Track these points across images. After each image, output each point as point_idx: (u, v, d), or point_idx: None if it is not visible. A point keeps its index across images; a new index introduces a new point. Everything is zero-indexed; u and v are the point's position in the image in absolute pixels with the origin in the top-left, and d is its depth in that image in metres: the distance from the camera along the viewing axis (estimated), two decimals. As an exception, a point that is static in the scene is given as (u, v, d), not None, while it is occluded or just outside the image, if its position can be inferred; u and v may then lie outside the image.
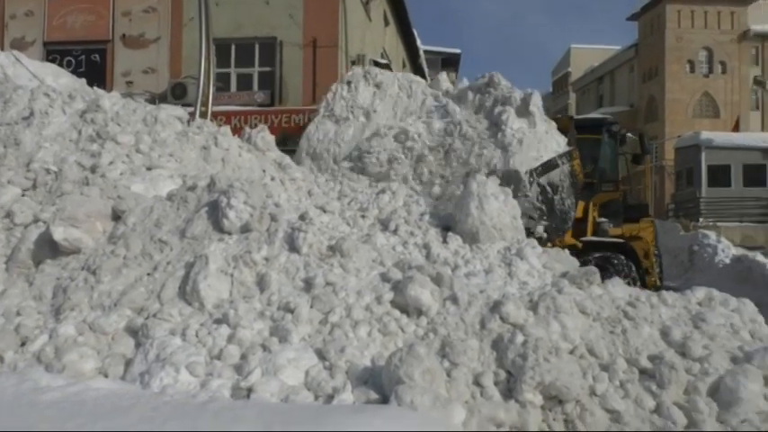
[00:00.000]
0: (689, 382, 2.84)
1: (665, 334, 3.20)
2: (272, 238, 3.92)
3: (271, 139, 6.23)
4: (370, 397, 2.74)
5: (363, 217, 5.13)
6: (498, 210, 4.71)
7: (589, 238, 8.11)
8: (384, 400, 2.69)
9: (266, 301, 3.46)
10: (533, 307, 3.32)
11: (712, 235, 17.15)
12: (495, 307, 3.32)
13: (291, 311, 3.30)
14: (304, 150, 6.51)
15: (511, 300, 3.33)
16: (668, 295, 4.02)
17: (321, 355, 3.04)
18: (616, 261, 7.59)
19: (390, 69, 16.95)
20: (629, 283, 8.11)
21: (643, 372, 2.95)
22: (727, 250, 16.08)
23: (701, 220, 20.56)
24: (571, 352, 3.10)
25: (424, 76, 29.46)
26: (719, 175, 21.02)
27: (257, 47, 14.75)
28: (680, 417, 2.72)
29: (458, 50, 48.46)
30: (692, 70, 36.73)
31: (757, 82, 22.82)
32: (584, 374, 2.94)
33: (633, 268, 7.48)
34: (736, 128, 29.36)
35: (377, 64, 16.13)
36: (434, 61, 44.45)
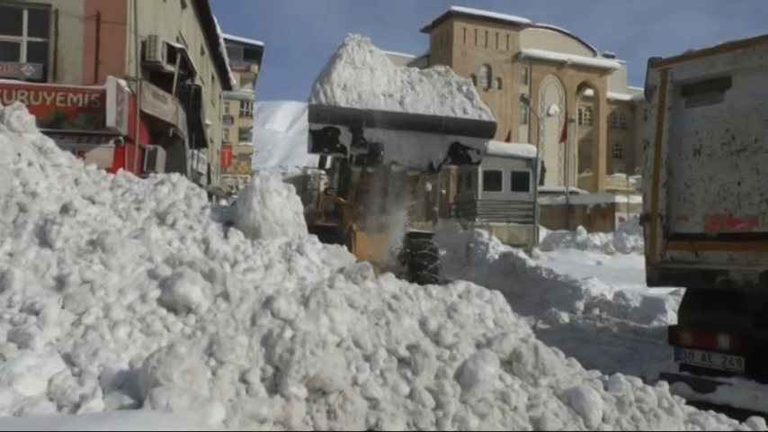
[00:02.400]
0: (439, 368, 3.12)
1: (422, 324, 3.48)
2: (19, 230, 3.48)
3: (30, 118, 5.51)
4: (124, 402, 2.56)
5: (138, 209, 4.81)
6: (281, 205, 4.73)
7: (413, 229, 11.36)
8: (140, 404, 2.54)
9: (6, 302, 3.05)
10: (305, 302, 3.38)
11: (485, 233, 19.18)
12: (267, 302, 3.32)
13: (37, 313, 2.95)
14: (335, 83, 8.21)
15: (283, 295, 3.36)
16: (432, 288, 4.38)
17: (70, 360, 2.76)
18: (433, 246, 10.81)
19: (186, 54, 16.14)
20: (436, 265, 10.27)
21: (401, 360, 3.17)
22: (496, 247, 18.10)
23: (476, 220, 22.83)
24: (338, 344, 3.22)
25: (224, 65, 28.57)
26: (492, 181, 23.56)
27: (26, 13, 13.02)
28: (429, 399, 2.97)
29: (261, 43, 47.96)
30: (475, 84, 40.78)
31: (523, 99, 26.07)
32: (349, 365, 3.07)
33: None
34: (508, 139, 33.20)
35: (171, 48, 15.22)
36: (236, 51, 43.42)
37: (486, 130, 9.13)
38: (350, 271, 4.22)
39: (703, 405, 4.15)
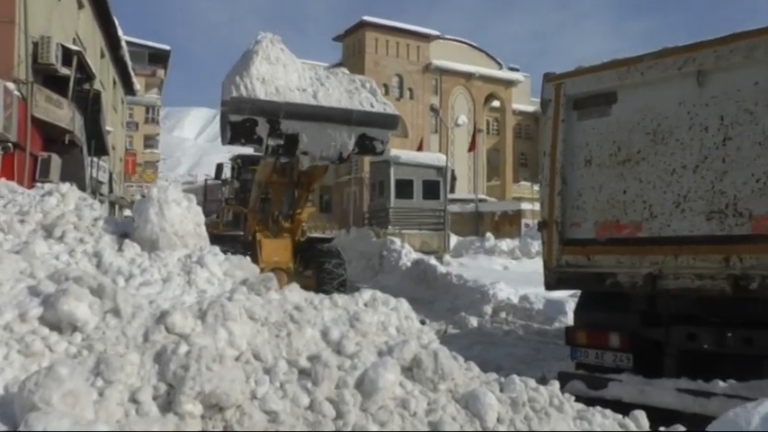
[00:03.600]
0: (340, 378, 3.11)
1: (324, 334, 3.46)
2: None
3: None
4: (-3, 430, 2.38)
5: (22, 222, 4.49)
6: (180, 216, 4.57)
7: (314, 235, 12.31)
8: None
9: None
10: (202, 315, 3.28)
11: (398, 241, 19.43)
12: (162, 317, 3.19)
13: None
14: (255, 76, 8.49)
15: (178, 309, 3.24)
16: (338, 297, 4.38)
17: (-65, 387, 2.53)
18: (337, 250, 11.53)
19: (83, 57, 15.33)
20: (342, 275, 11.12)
21: (302, 371, 3.14)
22: (409, 254, 18.37)
23: (389, 227, 23.07)
24: (237, 358, 3.14)
25: (126, 69, 27.39)
26: (404, 189, 23.92)
27: None
28: (329, 410, 2.96)
29: (167, 47, 46.44)
30: (387, 93, 41.30)
31: (433, 109, 26.74)
32: (248, 379, 3.00)
33: None
34: (420, 147, 33.81)
35: (66, 49, 14.41)
36: (140, 54, 41.84)
37: (390, 122, 9.83)
38: (253, 282, 4.14)
39: (597, 401, 4.39)
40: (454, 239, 24.47)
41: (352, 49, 42.20)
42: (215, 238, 9.78)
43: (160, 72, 47.08)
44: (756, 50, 4.67)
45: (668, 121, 5.15)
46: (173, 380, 2.86)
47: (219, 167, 13.58)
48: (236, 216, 11.91)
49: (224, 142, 9.09)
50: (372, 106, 9.52)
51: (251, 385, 2.98)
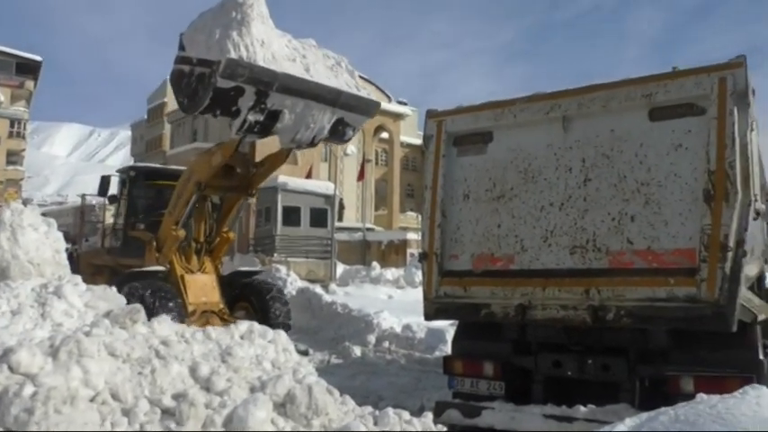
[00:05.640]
0: (207, 416, 2.96)
1: (193, 370, 3.29)
2: None
3: None
4: None
5: None
6: (37, 242, 4.21)
7: (242, 268, 10.91)
8: None
9: None
10: (54, 352, 3.00)
11: (283, 269, 19.09)
12: (4, 356, 2.88)
13: None
14: (255, 37, 7.43)
15: (25, 346, 2.94)
16: (212, 330, 4.20)
17: None
18: (279, 286, 10.52)
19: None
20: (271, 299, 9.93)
21: (165, 411, 2.95)
22: (294, 283, 18.08)
23: (275, 255, 22.64)
24: (92, 399, 2.90)
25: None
26: (292, 216, 23.66)
27: None
28: (193, 452, 2.80)
29: (38, 57, 43.37)
30: (278, 120, 41.00)
31: (323, 138, 26.84)
32: (103, 422, 2.78)
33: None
34: (309, 175, 33.67)
35: None
36: (7, 63, 38.75)
37: (372, 109, 8.93)
38: (117, 314, 3.88)
39: (472, 430, 4.49)
40: (341, 268, 24.44)
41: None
42: (129, 276, 8.21)
43: (29, 83, 43.72)
44: (612, 101, 5.13)
45: (537, 161, 5.49)
46: (13, 425, 2.58)
47: (105, 181, 11.05)
48: (132, 241, 9.90)
49: (193, 110, 7.49)
50: (359, 90, 8.58)
51: (106, 428, 2.76)
